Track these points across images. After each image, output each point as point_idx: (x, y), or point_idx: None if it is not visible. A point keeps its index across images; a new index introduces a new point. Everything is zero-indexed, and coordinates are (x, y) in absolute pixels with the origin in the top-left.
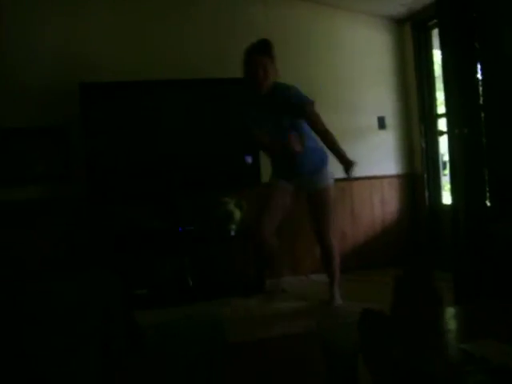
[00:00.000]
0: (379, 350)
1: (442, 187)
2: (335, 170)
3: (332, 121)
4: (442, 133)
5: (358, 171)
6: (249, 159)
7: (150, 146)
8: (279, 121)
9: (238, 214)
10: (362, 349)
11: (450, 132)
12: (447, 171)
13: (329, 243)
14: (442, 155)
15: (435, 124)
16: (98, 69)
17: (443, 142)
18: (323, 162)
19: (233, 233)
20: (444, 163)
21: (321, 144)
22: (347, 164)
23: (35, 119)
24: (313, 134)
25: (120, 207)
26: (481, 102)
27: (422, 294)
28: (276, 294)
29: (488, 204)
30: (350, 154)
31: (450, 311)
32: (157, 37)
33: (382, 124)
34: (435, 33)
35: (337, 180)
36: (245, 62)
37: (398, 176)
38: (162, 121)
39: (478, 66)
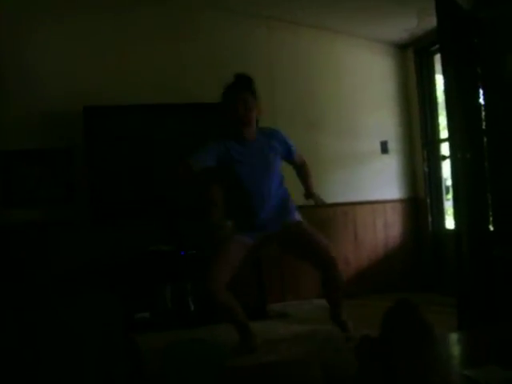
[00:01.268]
0: (376, 377)
1: (445, 212)
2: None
3: (334, 145)
4: (444, 157)
5: (361, 196)
6: None
7: (152, 169)
8: (266, 165)
9: None
10: (359, 376)
11: (452, 156)
12: (450, 196)
13: (338, 268)
14: (445, 180)
15: (438, 149)
16: (100, 93)
17: (446, 167)
18: (290, 208)
19: None
20: (447, 188)
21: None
22: (312, 197)
23: (38, 142)
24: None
25: (122, 230)
26: (483, 126)
27: (411, 321)
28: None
29: (491, 228)
30: (353, 178)
31: (453, 337)
32: (158, 62)
33: (384, 148)
34: (437, 58)
35: (338, 204)
36: (222, 100)
37: (400, 200)
38: (165, 144)
39: (480, 91)
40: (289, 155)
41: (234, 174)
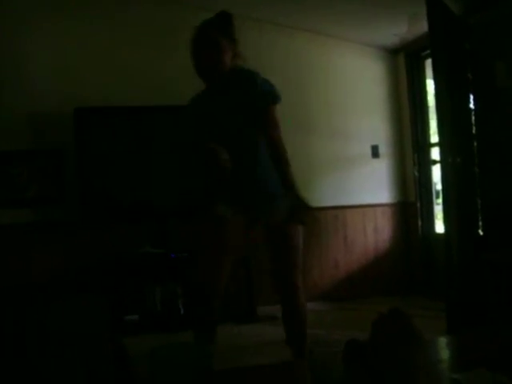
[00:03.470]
0: (364, 381)
1: (435, 216)
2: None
3: (325, 149)
4: (435, 162)
5: (351, 199)
6: None
7: (143, 169)
8: (231, 121)
9: None
10: (346, 380)
11: (443, 161)
12: (440, 200)
13: (297, 299)
14: (435, 184)
15: (428, 153)
16: (91, 94)
17: (436, 171)
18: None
19: None
20: (437, 192)
21: None
22: (297, 203)
23: (29, 142)
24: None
25: (113, 232)
26: (473, 131)
27: (400, 327)
28: None
29: (480, 233)
30: (344, 182)
31: (442, 341)
32: (149, 63)
33: (375, 153)
34: (428, 63)
35: (329, 208)
36: (193, 40)
37: (391, 205)
38: (155, 145)
39: (471, 96)
40: (253, 108)
41: (208, 135)
